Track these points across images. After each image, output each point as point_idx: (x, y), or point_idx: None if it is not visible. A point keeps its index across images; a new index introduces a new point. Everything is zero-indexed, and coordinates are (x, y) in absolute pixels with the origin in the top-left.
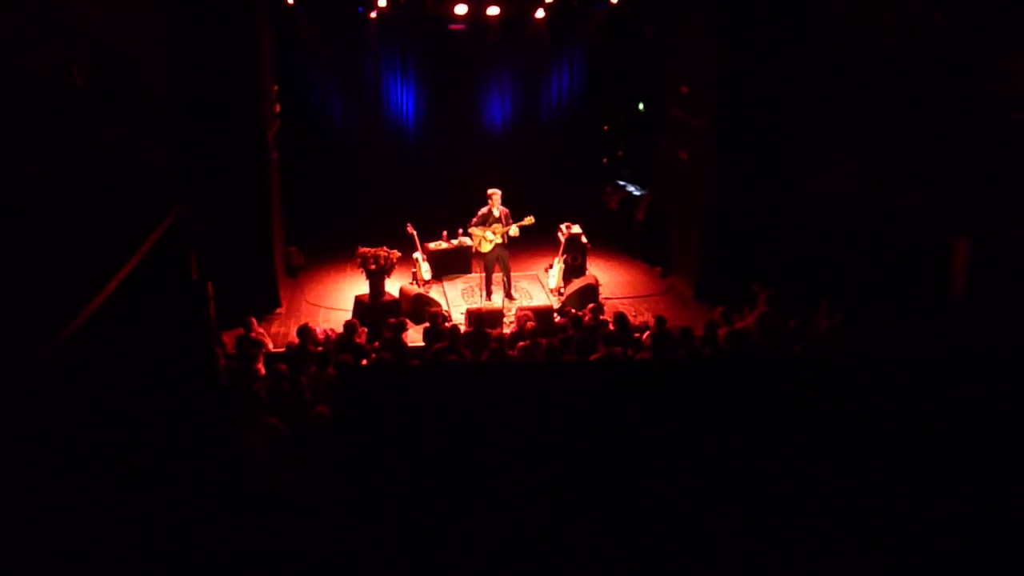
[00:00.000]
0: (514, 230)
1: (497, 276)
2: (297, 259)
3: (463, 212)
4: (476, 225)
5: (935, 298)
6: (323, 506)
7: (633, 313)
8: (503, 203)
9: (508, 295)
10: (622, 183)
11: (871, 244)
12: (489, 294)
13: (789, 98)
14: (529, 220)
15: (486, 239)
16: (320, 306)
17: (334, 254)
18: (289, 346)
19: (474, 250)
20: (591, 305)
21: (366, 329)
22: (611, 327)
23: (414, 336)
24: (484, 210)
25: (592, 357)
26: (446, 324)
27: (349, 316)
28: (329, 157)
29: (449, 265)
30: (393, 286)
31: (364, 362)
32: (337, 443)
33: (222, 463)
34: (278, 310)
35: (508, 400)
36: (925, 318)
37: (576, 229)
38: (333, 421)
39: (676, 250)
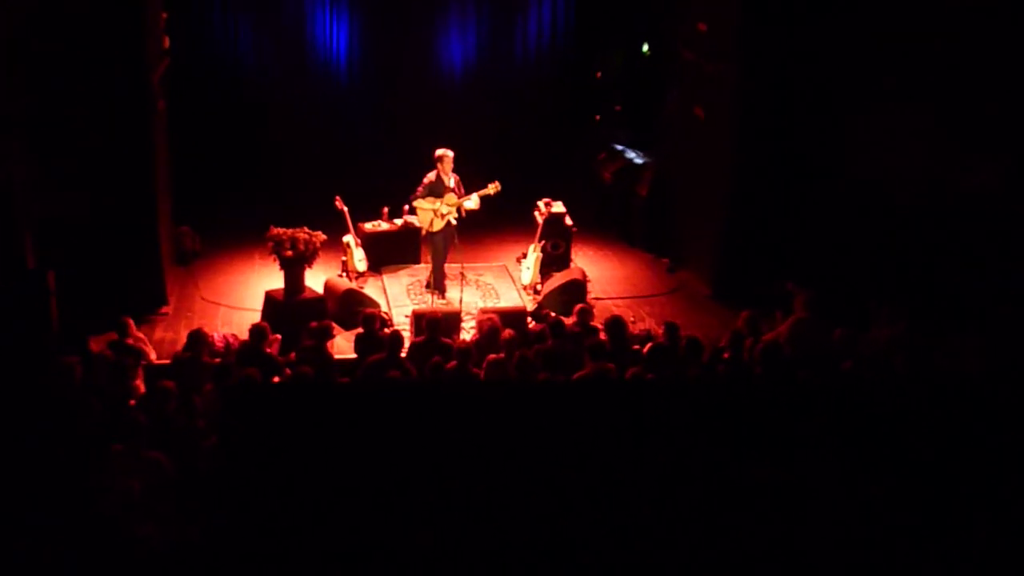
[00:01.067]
0: (472, 201)
1: (454, 267)
2: (190, 243)
3: (410, 181)
4: (423, 196)
5: (1021, 303)
6: (210, 565)
7: (631, 318)
8: (458, 170)
9: (431, 286)
10: (619, 148)
11: (939, 234)
12: (443, 290)
13: (840, 44)
14: (493, 187)
15: (437, 214)
16: (220, 304)
17: (239, 236)
18: (177, 356)
19: (423, 232)
20: (577, 307)
21: (279, 336)
22: (602, 336)
23: (343, 345)
24: (431, 176)
25: (576, 375)
26: (386, 330)
27: (257, 318)
28: (235, 109)
29: (391, 252)
30: (316, 279)
31: (276, 379)
32: (227, 484)
33: (75, 512)
34: (163, 309)
35: (466, 431)
36: (1009, 328)
37: (558, 207)
38: (222, 455)
39: (688, 236)
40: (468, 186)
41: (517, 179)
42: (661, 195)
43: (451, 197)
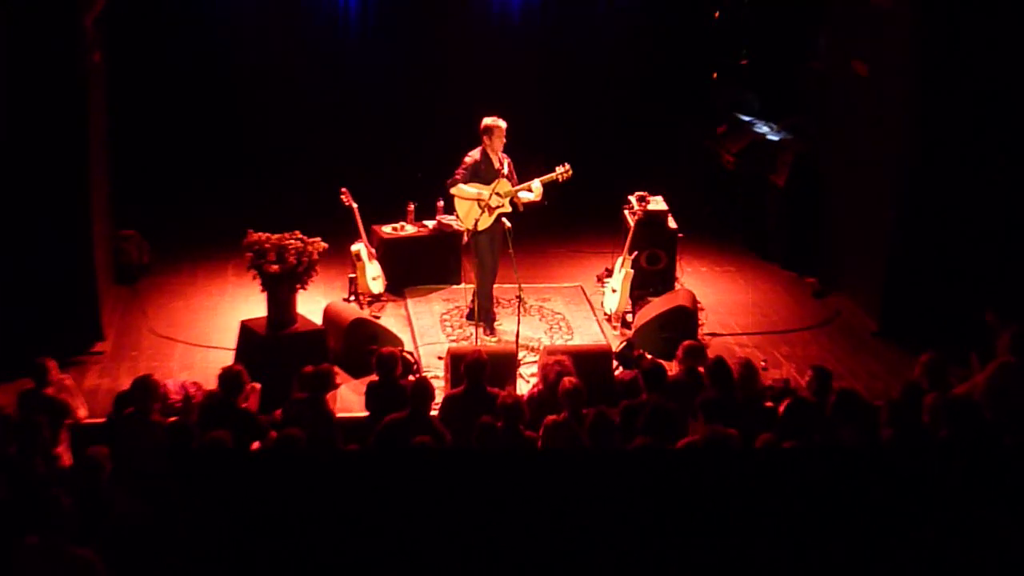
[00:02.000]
0: (533, 190)
1: (508, 287)
2: (136, 254)
3: (444, 167)
4: (463, 182)
5: None
6: None
7: (763, 361)
8: (511, 149)
9: (484, 322)
10: (746, 119)
11: None
12: (491, 320)
13: None
14: (562, 172)
15: (483, 205)
16: (176, 340)
17: (205, 244)
18: (116, 415)
19: (465, 237)
20: (684, 345)
21: (259, 385)
22: (717, 388)
23: (350, 398)
24: (474, 155)
25: (681, 442)
26: (410, 377)
27: (230, 360)
28: (201, 70)
29: (418, 266)
30: (313, 304)
31: (255, 445)
32: None
33: None
34: (98, 346)
35: (521, 525)
36: None
37: (657, 204)
38: (176, 552)
39: (846, 247)
40: (524, 173)
41: (597, 164)
42: (806, 187)
43: (503, 184)
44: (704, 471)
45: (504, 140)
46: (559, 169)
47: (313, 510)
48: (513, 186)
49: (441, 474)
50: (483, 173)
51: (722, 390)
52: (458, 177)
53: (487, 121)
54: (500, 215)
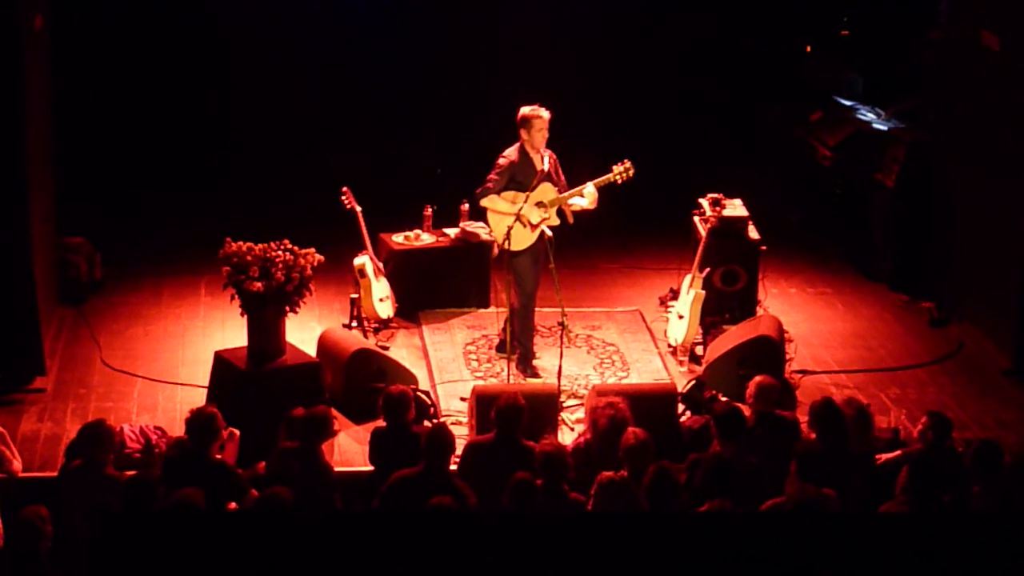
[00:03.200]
0: (586, 195)
1: (550, 311)
2: (87, 268)
3: (473, 165)
4: (495, 190)
5: None
6: None
7: (866, 404)
8: (557, 144)
9: (507, 347)
10: (847, 104)
11: None
12: (529, 354)
13: None
14: (621, 171)
15: (524, 221)
16: (135, 375)
17: (170, 256)
18: (63, 467)
19: (496, 249)
20: (760, 383)
21: (237, 431)
22: (811, 436)
23: (351, 449)
24: (511, 154)
25: (765, 506)
26: (426, 423)
27: (202, 400)
28: (175, 41)
29: (437, 285)
30: (305, 331)
31: (232, 506)
32: None
33: None
34: (38, 382)
35: None
36: None
37: (734, 209)
38: None
39: (971, 265)
40: (575, 172)
41: (662, 160)
42: (921, 188)
43: (547, 190)
44: (795, 545)
45: (547, 134)
46: (617, 168)
47: None
48: (560, 192)
49: (464, 544)
50: (522, 177)
51: (829, 440)
52: (489, 185)
53: (524, 111)
54: (543, 230)
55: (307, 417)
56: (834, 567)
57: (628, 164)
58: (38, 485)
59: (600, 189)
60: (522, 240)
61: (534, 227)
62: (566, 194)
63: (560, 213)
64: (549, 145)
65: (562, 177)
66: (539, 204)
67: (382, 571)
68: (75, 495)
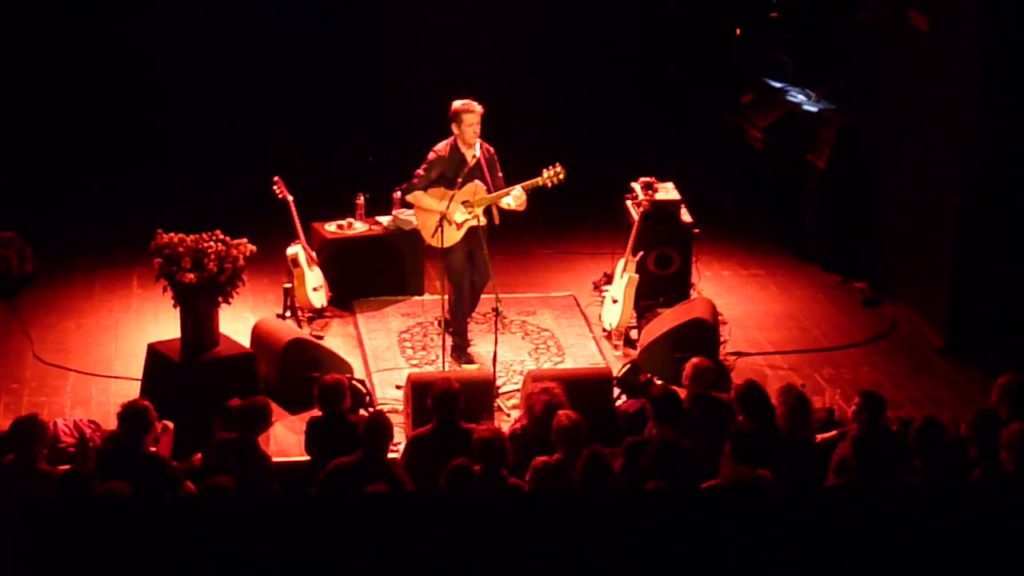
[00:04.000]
0: (515, 197)
1: (485, 298)
2: (17, 262)
3: (404, 154)
4: (422, 186)
5: None
6: None
7: (801, 386)
8: (493, 135)
9: (457, 349)
10: (777, 86)
11: None
12: (463, 342)
13: None
14: (550, 175)
15: (449, 220)
16: (67, 368)
17: (101, 247)
18: None
19: (428, 240)
20: (693, 365)
21: (171, 424)
22: (740, 417)
23: (286, 439)
24: (440, 148)
25: (705, 486)
26: (362, 412)
27: (135, 392)
28: (101, 28)
29: (370, 273)
30: (239, 322)
31: (167, 497)
32: None
33: None
34: None
35: None
36: None
37: (666, 192)
38: None
39: (903, 245)
40: (508, 163)
41: (593, 144)
42: (852, 169)
43: (475, 188)
44: (732, 523)
45: (478, 129)
46: (547, 172)
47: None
48: (490, 191)
49: (403, 528)
50: (451, 173)
51: (757, 422)
52: (415, 181)
53: (456, 105)
54: (471, 225)
55: (245, 408)
56: (771, 543)
57: (559, 168)
58: None
59: (530, 192)
60: (449, 237)
61: (459, 226)
62: (493, 195)
63: (487, 212)
64: (486, 137)
65: (499, 171)
66: (466, 203)
67: (324, 557)
68: (7, 490)
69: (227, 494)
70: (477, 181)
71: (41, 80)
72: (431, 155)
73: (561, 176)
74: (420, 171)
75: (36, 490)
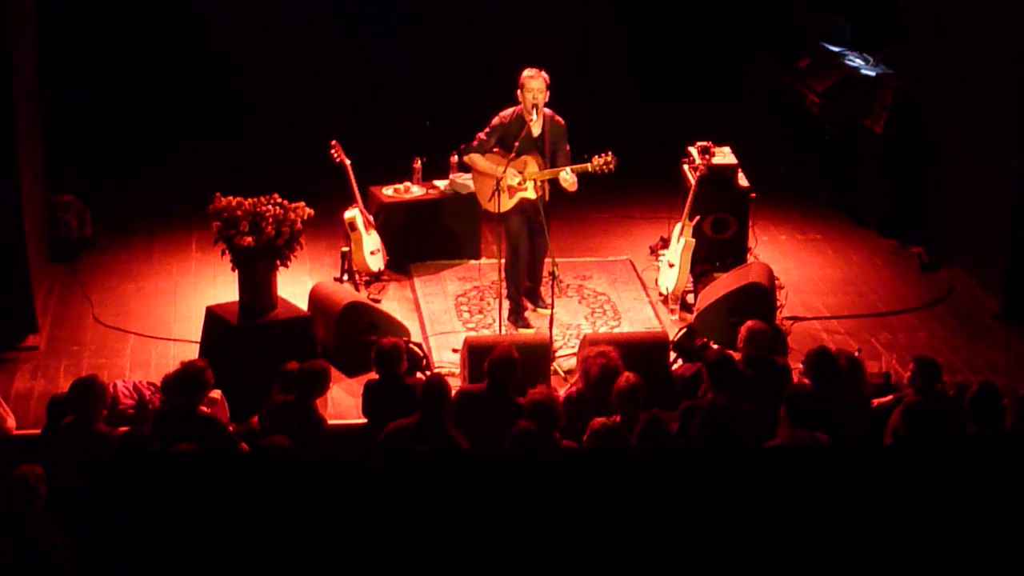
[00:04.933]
0: (564, 178)
1: (543, 263)
2: (78, 226)
3: (467, 122)
4: (482, 150)
5: None
6: None
7: (857, 351)
8: (553, 103)
9: (531, 304)
10: (835, 50)
11: None
12: (518, 306)
13: None
14: (601, 162)
15: (511, 184)
16: (127, 331)
17: (160, 212)
18: (52, 425)
19: (484, 204)
20: (750, 327)
21: (219, 394)
22: (803, 380)
23: (344, 402)
24: (506, 114)
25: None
26: (419, 375)
27: (194, 354)
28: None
29: (428, 238)
30: (296, 285)
31: (243, 447)
32: None
33: None
34: (30, 340)
35: (559, 546)
36: None
37: (723, 156)
38: None
39: (961, 210)
40: (583, 135)
41: (649, 108)
42: (910, 134)
43: (527, 162)
44: (790, 484)
45: (543, 97)
46: (597, 160)
47: (305, 537)
48: (542, 167)
49: (462, 491)
50: (511, 140)
51: (825, 388)
52: (475, 143)
53: (527, 73)
54: (524, 196)
55: (304, 371)
56: (826, 504)
57: (611, 157)
58: (32, 443)
59: (584, 174)
60: (505, 203)
61: (511, 194)
62: (544, 171)
63: (553, 183)
64: (555, 104)
65: (566, 146)
66: (520, 173)
67: (381, 514)
68: (67, 452)
69: (284, 453)
70: (532, 155)
71: (98, 45)
72: (495, 120)
73: (611, 166)
74: (482, 134)
75: (94, 451)
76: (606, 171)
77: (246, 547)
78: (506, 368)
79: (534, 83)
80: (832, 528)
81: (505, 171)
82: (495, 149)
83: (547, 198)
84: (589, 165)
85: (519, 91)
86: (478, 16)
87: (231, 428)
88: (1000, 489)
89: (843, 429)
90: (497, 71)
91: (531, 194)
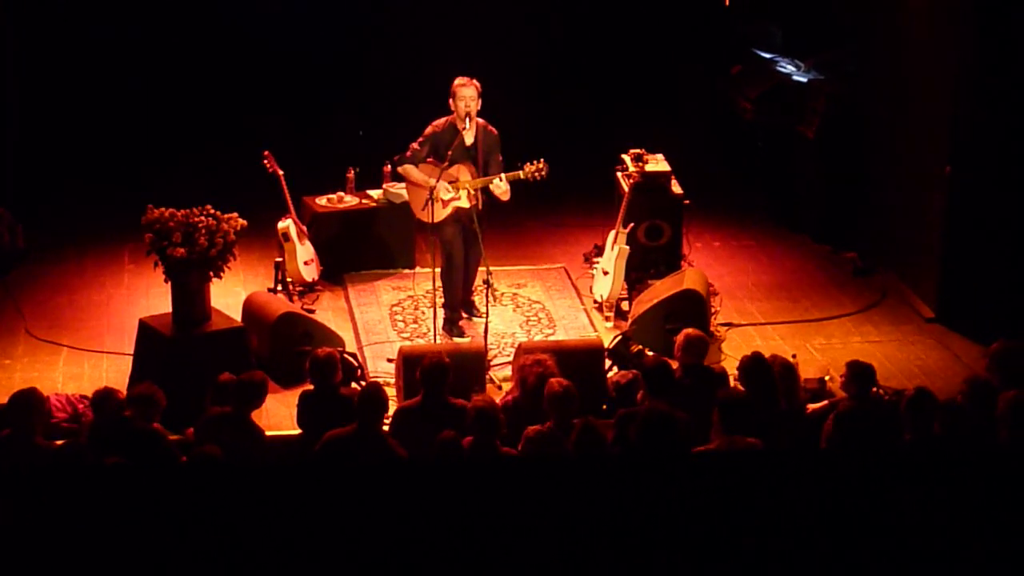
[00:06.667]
0: (498, 186)
1: (477, 272)
2: (8, 238)
3: (400, 130)
4: (416, 160)
5: None
6: None
7: (792, 356)
8: (485, 112)
9: (465, 307)
10: (767, 56)
11: None
12: (454, 315)
13: None
14: (531, 169)
15: (435, 197)
16: (60, 344)
17: (92, 223)
18: None
19: (417, 214)
20: (685, 336)
21: (160, 392)
22: (736, 385)
23: (277, 410)
24: (438, 124)
25: (696, 449)
26: (356, 385)
27: (128, 367)
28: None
29: (361, 247)
30: (230, 296)
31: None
32: None
33: None
34: None
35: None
36: None
37: (656, 163)
38: None
39: (893, 215)
40: (515, 143)
41: (583, 115)
42: (843, 140)
43: (460, 171)
44: (724, 489)
45: (472, 105)
46: (529, 167)
47: (242, 549)
48: (475, 176)
49: (397, 501)
50: (444, 150)
51: (759, 395)
52: (408, 154)
53: (457, 82)
54: (457, 205)
55: (243, 382)
56: (761, 509)
57: (542, 164)
58: None
59: (516, 182)
60: (438, 213)
61: (445, 204)
62: (477, 180)
63: (488, 191)
64: (484, 113)
65: (498, 156)
66: (453, 183)
67: (316, 526)
68: (4, 465)
69: (215, 462)
70: (465, 164)
71: (28, 55)
72: (428, 129)
73: (543, 173)
74: (415, 144)
75: (32, 464)
76: (539, 178)
77: (185, 560)
78: (437, 374)
79: (466, 91)
80: (767, 533)
81: (438, 181)
82: (428, 159)
83: (480, 207)
84: (521, 172)
85: (451, 100)
86: (412, 23)
87: (163, 434)
88: (935, 494)
89: (777, 435)
90: (432, 79)
91: (465, 203)
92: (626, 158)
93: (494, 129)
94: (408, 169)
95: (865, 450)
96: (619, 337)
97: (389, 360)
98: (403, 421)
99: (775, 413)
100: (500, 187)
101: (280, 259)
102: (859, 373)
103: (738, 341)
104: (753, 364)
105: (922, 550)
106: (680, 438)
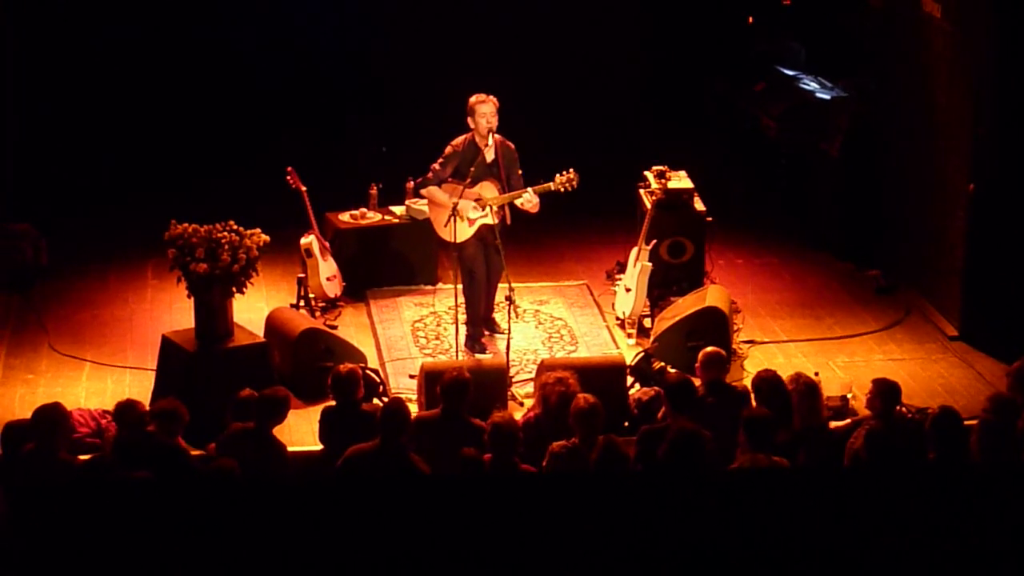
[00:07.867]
0: (525, 198)
1: (498, 290)
2: (32, 254)
3: (422, 148)
4: (437, 181)
5: None
6: None
7: (815, 374)
8: (511, 129)
9: (486, 324)
10: (790, 74)
11: None
12: (477, 332)
13: None
14: (563, 180)
15: (461, 216)
16: (83, 359)
17: (119, 241)
18: (10, 451)
19: (440, 233)
20: (706, 353)
21: (183, 408)
22: (756, 405)
23: (299, 426)
24: (458, 143)
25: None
26: (378, 401)
27: (151, 382)
28: (114, 20)
29: (384, 263)
30: (252, 312)
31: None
32: None
33: None
34: None
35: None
36: None
37: (680, 181)
38: None
39: (916, 233)
40: (527, 160)
41: (606, 133)
42: (865, 157)
43: (486, 188)
44: (751, 506)
45: (492, 121)
46: (560, 178)
47: (263, 564)
48: (500, 192)
49: (420, 517)
50: (466, 168)
51: (775, 411)
52: (430, 176)
53: (474, 99)
54: (483, 222)
55: (266, 397)
56: (786, 528)
57: (573, 174)
58: None
59: (545, 194)
60: (462, 232)
61: (471, 223)
62: (504, 195)
63: (512, 207)
64: (505, 132)
65: (518, 170)
66: (478, 200)
67: (338, 541)
68: (28, 480)
69: (232, 476)
70: (489, 180)
71: (55, 72)
72: (448, 149)
73: (574, 183)
74: (436, 165)
75: (57, 479)
76: (570, 188)
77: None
78: (458, 390)
79: (485, 108)
80: (790, 552)
81: (460, 199)
82: (450, 179)
83: (509, 221)
84: (552, 184)
85: (469, 118)
86: (435, 38)
87: (184, 449)
88: (962, 514)
89: (801, 453)
90: (454, 96)
91: (491, 220)
92: (649, 175)
93: (511, 144)
94: (432, 191)
95: (891, 469)
96: (641, 354)
97: (411, 376)
98: (419, 431)
99: (792, 431)
100: (531, 200)
101: (303, 275)
102: (885, 391)
103: (760, 359)
104: (765, 382)
105: (946, 568)
106: (705, 456)
